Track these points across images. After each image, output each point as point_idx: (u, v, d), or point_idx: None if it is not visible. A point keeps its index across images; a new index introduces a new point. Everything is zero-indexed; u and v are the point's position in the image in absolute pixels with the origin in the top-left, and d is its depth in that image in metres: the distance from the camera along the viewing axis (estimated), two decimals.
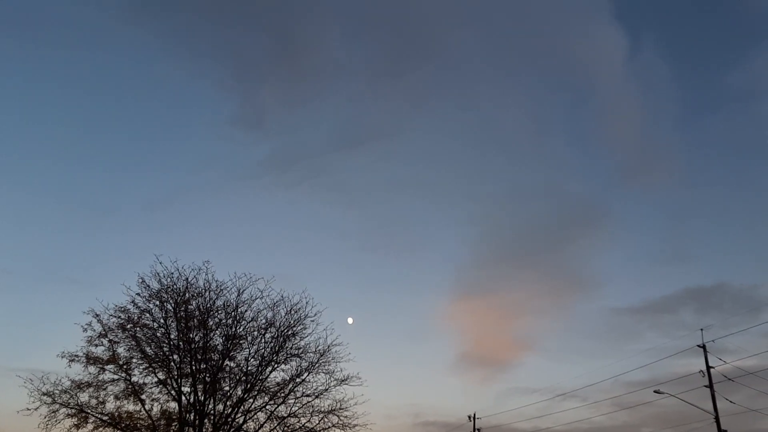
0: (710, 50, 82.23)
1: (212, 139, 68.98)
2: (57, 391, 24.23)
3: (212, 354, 25.08)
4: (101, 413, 24.36)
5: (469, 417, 48.43)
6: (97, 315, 24.82)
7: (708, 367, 33.41)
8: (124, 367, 24.77)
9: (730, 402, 32.82)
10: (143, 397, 24.75)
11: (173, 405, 24.86)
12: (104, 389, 24.59)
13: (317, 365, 25.54)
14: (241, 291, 25.30)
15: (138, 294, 24.80)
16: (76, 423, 24.16)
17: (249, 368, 25.16)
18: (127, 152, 67.80)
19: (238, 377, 25.15)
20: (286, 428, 24.99)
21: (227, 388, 25.13)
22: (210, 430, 24.35)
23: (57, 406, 24.19)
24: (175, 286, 24.95)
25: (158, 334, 24.87)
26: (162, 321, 24.87)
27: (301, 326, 25.67)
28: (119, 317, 24.82)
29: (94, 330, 24.80)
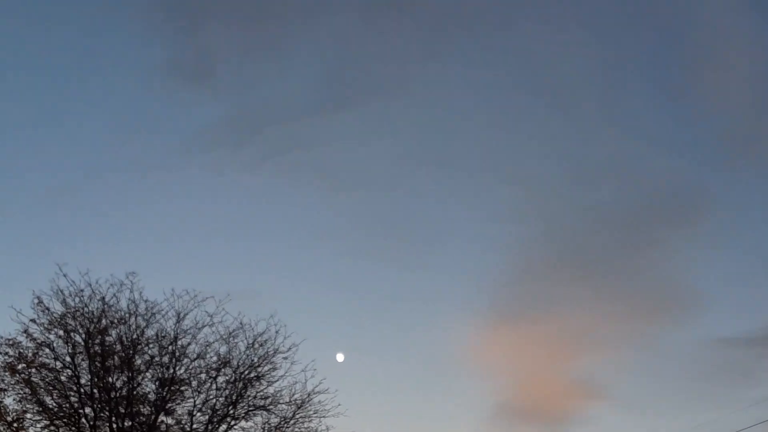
0: None
1: (138, 97, 49.59)
2: None
3: (141, 406, 19.67)
4: None
5: None
6: None
7: None
8: (15, 425, 19.12)
9: None
10: None
11: None
12: None
13: (293, 422, 20.27)
14: (181, 316, 19.57)
15: (33, 320, 19.14)
16: None
17: (194, 426, 19.66)
18: (14, 120, 51.64)
19: None
20: None
21: None
22: None
23: None
24: (86, 309, 19.15)
25: (63, 378, 19.29)
26: (68, 359, 19.17)
27: (270, 366, 20.15)
28: (6, 354, 19.14)
29: None
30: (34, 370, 19.14)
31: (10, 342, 19.05)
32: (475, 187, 50.03)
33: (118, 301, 19.38)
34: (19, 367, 19.06)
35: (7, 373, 19.03)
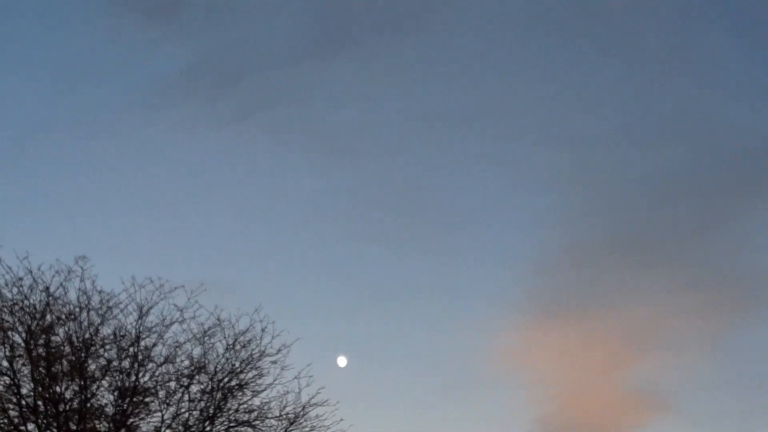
0: None
1: (84, 38, 41.92)
2: None
3: (97, 422, 17.38)
4: None
5: None
6: None
7: None
8: None
9: None
10: None
11: None
12: None
13: None
14: (145, 310, 17.30)
15: None
16: None
17: None
18: None
19: None
20: None
21: None
22: None
23: None
24: (26, 303, 16.67)
25: None
26: (5, 364, 16.67)
27: (255, 372, 17.98)
28: None
29: None
30: None
31: None
32: (507, 150, 39.13)
33: (65, 293, 16.95)
34: None
35: None
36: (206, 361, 17.63)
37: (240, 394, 17.79)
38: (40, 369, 16.56)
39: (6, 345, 16.42)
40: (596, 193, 41.79)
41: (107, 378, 17.21)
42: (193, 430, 17.13)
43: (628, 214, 42.43)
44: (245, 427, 17.63)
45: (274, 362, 18.00)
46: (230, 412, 17.65)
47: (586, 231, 41.54)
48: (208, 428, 17.31)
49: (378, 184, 40.88)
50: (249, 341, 17.86)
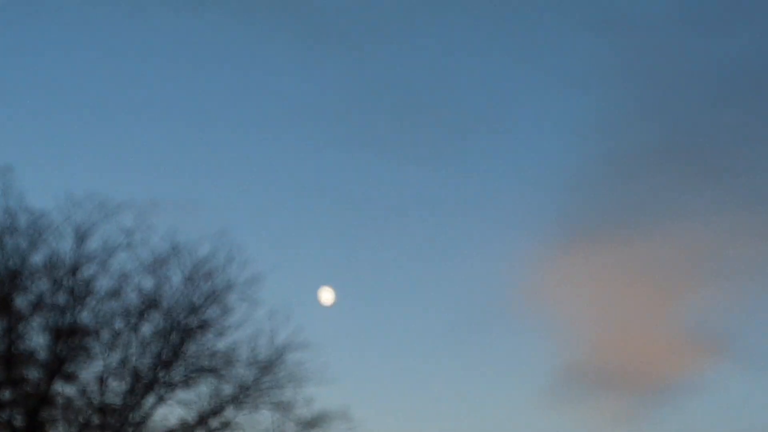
0: None
1: None
2: None
3: (26, 368, 17.07)
4: None
5: None
6: None
7: None
8: None
9: None
10: None
11: None
12: None
13: (254, 393, 17.53)
14: (83, 233, 16.86)
15: None
16: None
17: (107, 398, 16.91)
18: None
19: (84, 418, 16.99)
20: None
21: None
22: None
23: None
24: None
25: None
26: None
27: (219, 309, 17.50)
28: None
29: None
30: None
31: None
32: (536, 36, 35.22)
33: None
34: None
35: None
36: (159, 296, 16.86)
37: (201, 335, 17.09)
38: None
39: None
40: (646, 91, 36.24)
41: (38, 316, 16.60)
42: (144, 378, 16.34)
43: (684, 116, 36.97)
44: (208, 375, 16.83)
45: (242, 297, 17.20)
46: (190, 357, 16.94)
47: (632, 137, 36.00)
48: (163, 376, 16.51)
49: (373, 78, 35.70)
50: (212, 271, 17.09)
